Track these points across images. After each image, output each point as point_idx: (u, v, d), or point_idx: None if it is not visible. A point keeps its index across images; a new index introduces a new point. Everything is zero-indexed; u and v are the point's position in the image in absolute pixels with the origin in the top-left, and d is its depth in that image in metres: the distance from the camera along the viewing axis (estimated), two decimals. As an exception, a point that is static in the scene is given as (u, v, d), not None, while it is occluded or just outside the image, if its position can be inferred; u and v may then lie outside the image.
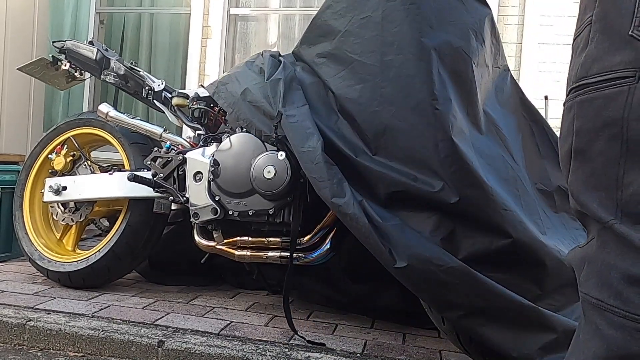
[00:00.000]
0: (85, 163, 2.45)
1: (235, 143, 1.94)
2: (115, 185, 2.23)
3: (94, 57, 2.43)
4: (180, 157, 2.10)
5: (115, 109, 2.36)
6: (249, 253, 1.98)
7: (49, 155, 2.48)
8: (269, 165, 1.84)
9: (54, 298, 2.09)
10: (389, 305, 2.09)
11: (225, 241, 2.02)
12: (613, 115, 0.62)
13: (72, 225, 2.45)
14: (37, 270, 2.36)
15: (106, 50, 2.48)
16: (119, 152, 2.37)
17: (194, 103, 2.18)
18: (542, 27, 3.78)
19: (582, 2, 0.72)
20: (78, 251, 2.42)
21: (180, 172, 2.11)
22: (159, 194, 2.13)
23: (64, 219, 2.41)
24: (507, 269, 1.54)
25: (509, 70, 1.98)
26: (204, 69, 4.32)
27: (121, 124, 2.33)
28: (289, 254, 1.85)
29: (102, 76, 2.44)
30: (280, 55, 2.09)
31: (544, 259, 1.55)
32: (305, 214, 1.87)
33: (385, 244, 1.51)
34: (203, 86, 2.25)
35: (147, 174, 2.15)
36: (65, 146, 2.47)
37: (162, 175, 2.12)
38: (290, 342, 1.75)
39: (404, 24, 1.70)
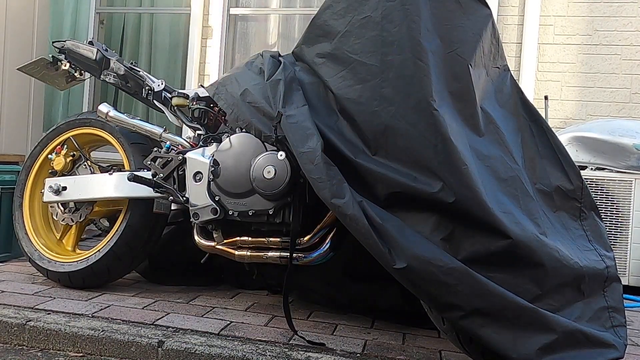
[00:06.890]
0: (85, 163, 2.45)
1: (235, 143, 1.94)
2: (115, 186, 2.23)
3: (94, 57, 2.43)
4: (180, 157, 2.10)
5: (115, 109, 2.36)
6: (248, 253, 1.98)
7: (49, 156, 2.48)
8: (268, 165, 1.84)
9: (54, 298, 2.09)
10: (389, 305, 2.09)
11: (225, 241, 2.01)
12: None
13: (72, 226, 2.44)
14: (37, 270, 2.36)
15: (106, 50, 2.48)
16: (118, 152, 2.37)
17: (194, 103, 2.18)
18: (542, 27, 3.78)
19: None
20: (78, 251, 2.42)
21: (180, 172, 2.11)
22: (158, 194, 2.13)
23: (63, 219, 2.41)
24: (507, 270, 1.53)
25: (508, 70, 1.97)
26: (204, 69, 4.32)
27: (121, 124, 2.33)
28: (288, 254, 1.85)
29: (102, 76, 2.44)
30: (280, 55, 2.09)
31: (543, 260, 1.55)
32: (305, 214, 1.87)
33: (385, 244, 1.51)
34: (203, 86, 2.25)
35: (147, 174, 2.15)
36: (65, 146, 2.47)
37: (162, 175, 2.12)
38: (290, 342, 1.75)
39: (403, 24, 1.70)
